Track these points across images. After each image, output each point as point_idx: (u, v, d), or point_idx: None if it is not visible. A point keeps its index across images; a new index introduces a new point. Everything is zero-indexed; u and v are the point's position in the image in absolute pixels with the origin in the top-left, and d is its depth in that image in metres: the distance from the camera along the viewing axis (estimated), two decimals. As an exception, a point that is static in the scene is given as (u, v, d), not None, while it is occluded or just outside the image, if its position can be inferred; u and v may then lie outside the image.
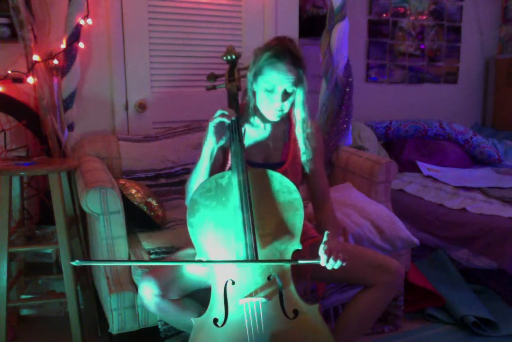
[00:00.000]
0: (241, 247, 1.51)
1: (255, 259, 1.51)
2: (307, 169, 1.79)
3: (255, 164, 1.67)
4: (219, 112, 1.53)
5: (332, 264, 1.48)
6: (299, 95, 1.64)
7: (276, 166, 1.68)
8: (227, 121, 1.52)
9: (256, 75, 1.61)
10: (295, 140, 1.77)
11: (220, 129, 1.54)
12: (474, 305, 2.38)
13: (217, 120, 1.51)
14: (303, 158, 1.74)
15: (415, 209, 2.98)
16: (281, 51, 1.58)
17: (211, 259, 1.55)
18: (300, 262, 1.51)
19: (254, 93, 1.66)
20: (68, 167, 2.12)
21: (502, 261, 2.45)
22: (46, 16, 2.43)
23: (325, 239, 1.56)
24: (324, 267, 1.51)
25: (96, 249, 1.99)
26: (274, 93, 1.61)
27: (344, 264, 1.49)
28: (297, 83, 1.60)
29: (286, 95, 1.62)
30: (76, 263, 1.39)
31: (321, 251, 1.50)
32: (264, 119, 1.71)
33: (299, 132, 1.72)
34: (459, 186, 3.20)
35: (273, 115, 1.67)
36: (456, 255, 2.69)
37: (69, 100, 2.37)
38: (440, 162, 3.74)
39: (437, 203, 2.94)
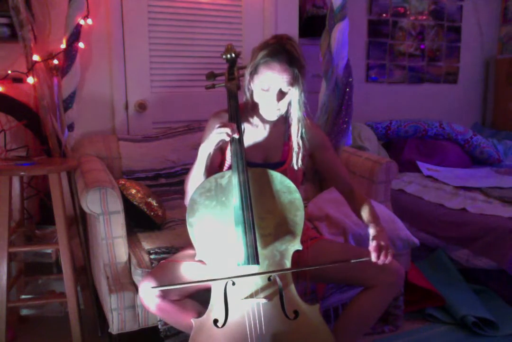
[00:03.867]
0: (241, 247, 1.51)
1: (291, 268, 1.54)
2: (322, 167, 1.82)
3: (254, 165, 1.66)
4: (228, 129, 1.51)
5: (383, 260, 1.54)
6: (295, 95, 1.62)
7: (275, 166, 1.67)
8: (235, 137, 1.53)
9: (252, 74, 1.60)
10: None
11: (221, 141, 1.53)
12: (474, 305, 2.38)
13: (223, 136, 1.50)
14: (294, 158, 1.72)
15: (415, 209, 2.98)
16: (277, 50, 1.56)
17: (211, 259, 1.55)
18: (353, 261, 1.56)
19: (251, 92, 1.65)
20: (68, 167, 2.12)
21: (502, 261, 2.45)
22: (46, 16, 2.43)
23: (372, 233, 1.62)
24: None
25: (96, 249, 1.99)
26: (269, 93, 1.60)
27: (391, 259, 1.55)
28: (293, 82, 1.59)
29: (281, 94, 1.60)
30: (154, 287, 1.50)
31: (371, 247, 1.56)
32: (263, 119, 1.71)
33: (294, 132, 1.71)
34: (459, 185, 3.20)
35: (270, 115, 1.66)
36: (456, 255, 2.69)
37: (69, 100, 2.37)
38: (440, 162, 3.74)
39: (437, 203, 2.95)
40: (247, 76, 1.62)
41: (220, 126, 1.50)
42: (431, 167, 3.63)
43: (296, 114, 1.66)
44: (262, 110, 1.66)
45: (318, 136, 1.80)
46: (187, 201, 1.65)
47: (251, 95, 1.65)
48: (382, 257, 1.54)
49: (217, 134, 1.50)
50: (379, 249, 1.55)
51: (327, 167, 1.82)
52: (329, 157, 1.82)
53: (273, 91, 1.59)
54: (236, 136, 1.53)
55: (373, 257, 1.54)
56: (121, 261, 1.89)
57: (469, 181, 3.32)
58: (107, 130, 2.65)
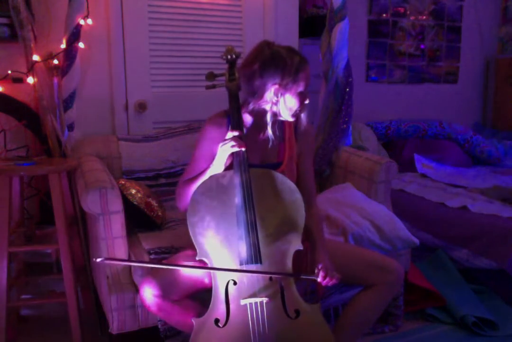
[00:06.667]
0: (244, 247, 1.51)
1: (259, 270, 1.52)
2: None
3: (252, 166, 1.65)
4: (229, 135, 1.55)
5: (328, 282, 1.55)
6: None
7: (273, 167, 1.68)
8: (241, 150, 1.54)
9: (289, 84, 1.61)
10: (290, 140, 1.77)
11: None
12: (474, 305, 2.38)
13: (231, 149, 1.53)
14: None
15: (415, 209, 2.98)
16: (300, 55, 1.64)
17: (213, 259, 1.55)
18: (303, 276, 1.58)
19: (277, 101, 1.63)
20: (68, 167, 2.12)
21: (502, 261, 2.45)
22: (46, 16, 2.43)
23: (319, 255, 1.64)
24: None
25: (96, 249, 1.99)
26: (304, 94, 1.65)
27: (337, 282, 1.56)
28: None
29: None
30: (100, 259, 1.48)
31: (319, 268, 1.56)
32: (260, 120, 1.70)
33: (303, 123, 1.74)
34: (449, 183, 3.23)
35: (294, 116, 1.69)
36: (456, 255, 2.69)
37: (69, 100, 2.37)
38: (440, 161, 3.74)
39: (438, 203, 2.95)
40: (277, 89, 1.61)
41: (224, 144, 1.54)
42: (426, 163, 3.63)
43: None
44: (289, 114, 1.67)
45: (307, 140, 1.81)
46: (182, 204, 1.67)
47: (276, 104, 1.64)
48: (327, 278, 1.54)
49: (223, 152, 1.54)
50: (325, 271, 1.55)
51: (298, 175, 1.80)
52: (306, 162, 1.82)
53: (306, 91, 1.65)
54: (243, 149, 1.54)
55: (320, 277, 1.54)
56: (121, 261, 1.89)
57: (461, 180, 3.34)
58: (107, 130, 2.65)
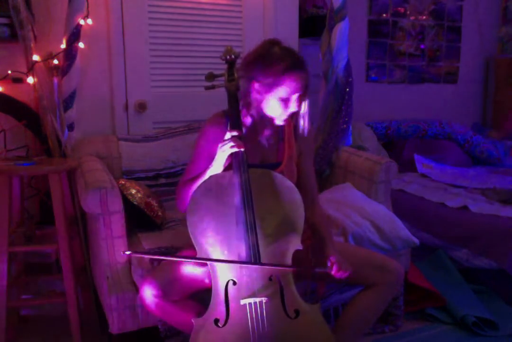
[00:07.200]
0: (243, 248, 1.51)
1: (270, 263, 1.53)
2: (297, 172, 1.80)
3: (251, 166, 1.65)
4: (228, 135, 1.55)
5: (342, 274, 1.57)
6: (306, 95, 1.65)
7: (272, 167, 1.68)
8: (240, 150, 1.53)
9: (269, 85, 1.59)
10: (289, 140, 1.77)
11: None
12: (474, 305, 2.38)
13: (230, 150, 1.52)
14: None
15: (415, 209, 2.98)
16: (293, 59, 1.59)
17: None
18: (317, 270, 1.60)
19: (260, 101, 1.63)
20: (68, 167, 2.12)
21: (502, 261, 2.45)
22: (46, 16, 2.43)
23: (330, 248, 1.66)
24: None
25: (96, 249, 1.99)
26: (288, 101, 1.62)
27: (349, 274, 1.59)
28: (307, 85, 1.63)
29: (299, 98, 1.63)
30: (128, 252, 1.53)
31: (332, 261, 1.58)
32: (258, 120, 1.70)
33: (306, 125, 1.73)
34: (448, 183, 3.24)
35: (282, 120, 1.67)
36: (456, 255, 2.69)
37: (69, 100, 2.37)
38: (440, 162, 3.74)
39: (438, 203, 2.95)
40: (257, 87, 1.61)
41: (223, 145, 1.53)
42: (426, 163, 3.63)
43: (306, 112, 1.69)
44: (275, 117, 1.66)
45: (309, 143, 1.83)
46: (182, 204, 1.67)
47: (260, 103, 1.64)
48: (341, 271, 1.57)
49: (222, 152, 1.54)
50: (339, 263, 1.57)
51: (300, 174, 1.81)
52: (306, 162, 1.83)
53: (293, 99, 1.61)
54: (242, 149, 1.54)
55: (334, 270, 1.57)
56: (121, 261, 1.89)
57: (462, 180, 3.35)
58: (107, 130, 2.65)
